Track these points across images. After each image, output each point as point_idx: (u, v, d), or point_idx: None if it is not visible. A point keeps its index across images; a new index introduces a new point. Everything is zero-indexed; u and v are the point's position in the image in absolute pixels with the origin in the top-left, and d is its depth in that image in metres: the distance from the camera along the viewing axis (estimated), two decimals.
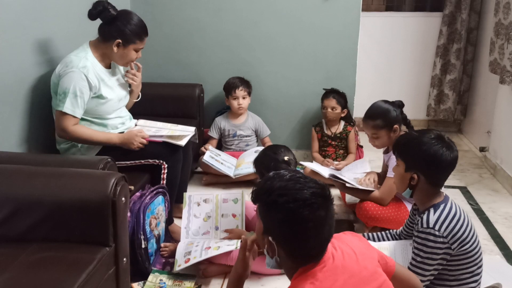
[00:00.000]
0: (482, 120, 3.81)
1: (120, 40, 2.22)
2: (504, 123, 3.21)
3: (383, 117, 2.37)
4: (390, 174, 2.38)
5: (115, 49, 2.23)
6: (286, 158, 2.22)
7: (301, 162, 2.90)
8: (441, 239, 1.61)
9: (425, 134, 1.73)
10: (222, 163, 3.06)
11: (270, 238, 1.28)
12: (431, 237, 1.62)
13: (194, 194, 2.40)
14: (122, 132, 2.36)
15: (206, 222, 2.33)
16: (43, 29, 2.28)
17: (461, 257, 1.65)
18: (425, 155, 1.68)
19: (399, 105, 2.44)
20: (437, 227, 1.62)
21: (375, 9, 4.24)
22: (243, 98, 3.21)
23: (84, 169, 1.76)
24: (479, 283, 1.72)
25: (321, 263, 1.25)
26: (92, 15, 2.22)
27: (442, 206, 1.67)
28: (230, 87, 3.20)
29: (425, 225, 1.64)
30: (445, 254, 1.63)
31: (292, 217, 1.22)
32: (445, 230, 1.62)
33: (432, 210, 1.67)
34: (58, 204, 1.62)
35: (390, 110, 2.39)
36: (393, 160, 2.35)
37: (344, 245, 1.33)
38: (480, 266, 1.71)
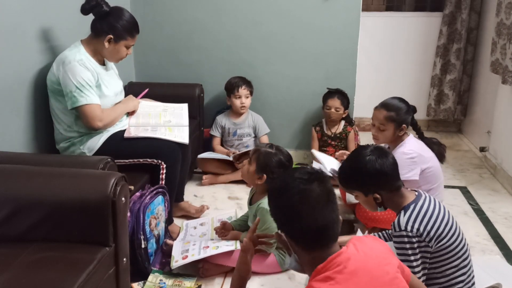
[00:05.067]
0: (482, 120, 3.81)
1: (111, 36, 2.24)
2: (504, 123, 3.21)
3: (397, 111, 2.37)
4: None
5: (106, 44, 2.25)
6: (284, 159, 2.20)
7: (312, 151, 2.94)
8: (416, 239, 1.61)
9: (358, 159, 1.74)
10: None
11: (279, 231, 1.33)
12: (406, 239, 1.62)
13: (190, 220, 2.57)
14: (121, 131, 2.36)
15: (202, 238, 2.38)
16: (43, 29, 2.28)
17: (441, 252, 1.65)
18: (371, 176, 1.70)
19: (413, 110, 2.44)
20: (408, 228, 1.62)
21: (375, 9, 4.25)
22: (246, 97, 3.21)
23: (84, 169, 1.76)
24: (470, 276, 1.71)
25: (340, 264, 1.25)
26: (84, 9, 2.24)
27: (412, 207, 1.67)
28: (232, 86, 3.20)
29: (397, 229, 1.65)
30: (425, 252, 1.63)
31: (280, 196, 1.31)
32: (417, 229, 1.62)
33: (402, 213, 1.67)
34: (58, 204, 1.62)
35: (405, 109, 2.40)
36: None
37: (367, 248, 1.32)
38: (466, 259, 1.70)
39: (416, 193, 1.75)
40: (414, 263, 1.62)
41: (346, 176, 1.80)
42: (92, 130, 2.24)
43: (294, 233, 1.32)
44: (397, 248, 1.65)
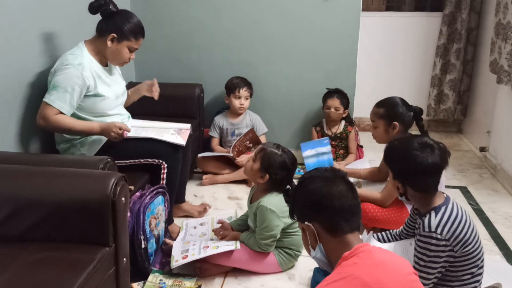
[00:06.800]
0: (482, 120, 3.81)
1: (115, 35, 2.23)
2: (504, 123, 3.21)
3: (387, 108, 2.38)
4: None
5: (109, 43, 2.24)
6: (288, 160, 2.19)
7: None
8: (444, 242, 1.60)
9: (404, 144, 1.72)
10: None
11: (306, 222, 1.40)
12: (434, 241, 1.60)
13: (190, 220, 2.55)
14: None
15: (202, 238, 2.38)
16: (43, 29, 2.28)
17: (463, 258, 1.64)
18: (404, 166, 1.69)
19: (416, 110, 2.42)
20: (439, 231, 1.60)
21: (375, 9, 4.25)
22: (246, 98, 3.21)
23: (84, 169, 1.76)
24: (480, 283, 1.71)
25: (368, 253, 1.28)
26: (93, 8, 2.23)
27: (443, 209, 1.65)
28: (234, 86, 3.19)
29: (427, 229, 1.62)
30: (448, 257, 1.62)
31: (308, 184, 1.42)
32: (447, 233, 1.60)
33: (433, 213, 1.65)
34: (58, 204, 1.62)
35: (398, 106, 2.38)
36: None
37: (389, 252, 1.38)
38: (481, 267, 1.70)
39: (445, 195, 1.73)
40: (429, 264, 1.61)
41: (390, 151, 1.79)
42: (37, 125, 2.18)
43: (323, 215, 1.37)
44: (420, 247, 1.63)
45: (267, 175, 2.13)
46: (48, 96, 2.12)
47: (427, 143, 1.69)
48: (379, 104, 2.43)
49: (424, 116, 4.21)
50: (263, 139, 3.30)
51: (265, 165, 2.13)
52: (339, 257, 1.31)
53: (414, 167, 1.66)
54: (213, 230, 2.36)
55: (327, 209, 1.36)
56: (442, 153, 1.69)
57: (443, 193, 1.74)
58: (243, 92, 3.19)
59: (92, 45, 2.28)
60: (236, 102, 3.21)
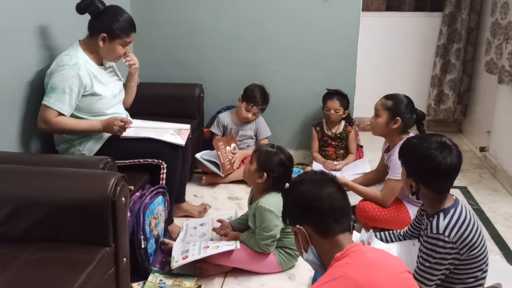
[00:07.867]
0: (482, 120, 3.81)
1: (105, 34, 2.22)
2: (504, 123, 3.21)
3: (395, 102, 2.42)
4: (391, 175, 2.39)
5: (100, 43, 2.23)
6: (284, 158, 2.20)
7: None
8: (450, 245, 1.58)
9: (423, 143, 1.68)
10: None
11: (297, 226, 1.40)
12: (441, 243, 1.59)
13: (190, 221, 2.54)
14: None
15: (202, 238, 2.37)
16: (42, 29, 2.28)
17: (469, 261, 1.63)
18: (421, 165, 1.67)
19: (418, 113, 2.45)
20: (446, 233, 1.59)
21: (375, 9, 4.25)
22: (254, 114, 3.21)
23: (84, 169, 1.76)
24: (483, 287, 1.71)
25: (360, 253, 1.29)
26: (79, 8, 2.22)
27: (452, 211, 1.63)
28: (251, 99, 3.16)
29: (434, 231, 1.61)
30: (453, 259, 1.61)
31: (297, 187, 1.44)
32: (454, 235, 1.59)
33: (441, 215, 1.63)
34: (58, 204, 1.62)
35: (405, 104, 2.42)
36: (393, 161, 2.36)
37: (381, 251, 1.38)
38: (485, 271, 1.68)
39: (454, 197, 1.71)
40: (434, 266, 1.61)
41: (406, 149, 1.76)
42: (39, 128, 2.18)
43: (313, 217, 1.38)
44: (426, 248, 1.62)
45: (265, 174, 2.14)
46: (47, 98, 2.11)
47: (446, 143, 1.66)
48: (388, 97, 2.46)
49: None
50: (265, 142, 3.29)
51: (262, 164, 2.14)
52: (331, 258, 1.32)
53: (433, 167, 1.63)
54: (213, 229, 2.36)
55: (317, 211, 1.37)
56: (460, 154, 1.67)
57: (453, 195, 1.72)
58: (255, 109, 3.18)
59: (86, 44, 2.27)
60: (244, 113, 3.19)
